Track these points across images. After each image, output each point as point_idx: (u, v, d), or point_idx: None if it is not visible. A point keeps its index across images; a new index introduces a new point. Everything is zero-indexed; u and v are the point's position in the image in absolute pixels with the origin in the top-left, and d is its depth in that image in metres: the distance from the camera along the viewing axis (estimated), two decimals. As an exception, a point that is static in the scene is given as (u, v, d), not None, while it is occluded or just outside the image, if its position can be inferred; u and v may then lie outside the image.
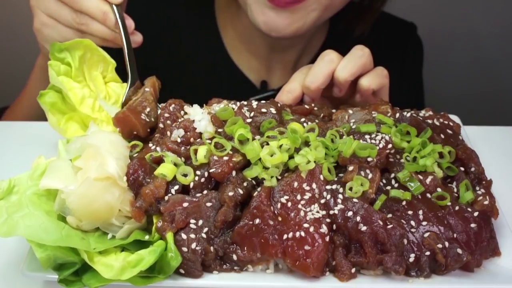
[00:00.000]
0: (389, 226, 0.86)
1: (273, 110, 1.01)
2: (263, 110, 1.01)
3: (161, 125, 1.00)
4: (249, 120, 0.99)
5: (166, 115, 1.00)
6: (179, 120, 1.00)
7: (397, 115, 1.04)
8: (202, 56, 1.59)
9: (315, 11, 1.32)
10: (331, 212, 0.87)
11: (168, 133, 0.97)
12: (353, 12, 1.54)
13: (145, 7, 1.57)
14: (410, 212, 0.88)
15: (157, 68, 1.16)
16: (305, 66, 1.18)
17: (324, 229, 0.85)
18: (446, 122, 1.05)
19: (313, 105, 1.09)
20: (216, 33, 1.59)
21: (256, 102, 1.03)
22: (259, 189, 0.90)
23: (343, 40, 1.51)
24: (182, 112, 1.02)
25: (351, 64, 1.11)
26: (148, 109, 1.03)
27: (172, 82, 1.24)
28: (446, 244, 0.86)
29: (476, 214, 0.89)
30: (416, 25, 1.72)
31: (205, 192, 0.90)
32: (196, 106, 1.03)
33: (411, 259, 0.85)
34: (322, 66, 1.12)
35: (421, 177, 0.93)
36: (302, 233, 0.84)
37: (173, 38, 1.59)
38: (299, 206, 0.87)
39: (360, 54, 1.11)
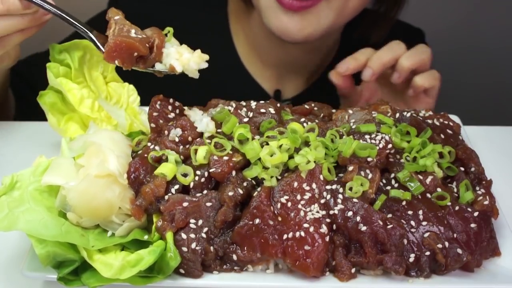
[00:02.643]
0: (389, 226, 0.86)
1: (272, 110, 1.01)
2: (262, 110, 1.01)
3: (153, 125, 0.99)
4: (246, 120, 0.99)
5: (155, 114, 0.99)
6: (170, 115, 1.00)
7: (397, 115, 1.04)
8: (214, 62, 1.53)
9: (327, 18, 1.33)
10: (331, 212, 0.87)
11: (166, 132, 0.97)
12: (368, 19, 1.54)
13: (159, 6, 1.54)
14: (410, 212, 0.88)
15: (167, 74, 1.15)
16: (368, 48, 1.28)
17: (324, 229, 0.85)
18: (446, 122, 1.05)
19: (313, 105, 1.09)
20: (229, 39, 1.57)
21: (255, 103, 1.03)
22: (259, 189, 0.90)
23: (356, 49, 1.51)
24: (170, 107, 1.01)
25: (415, 56, 1.24)
26: (133, 30, 0.96)
27: (183, 88, 1.22)
28: (446, 244, 0.86)
29: (476, 214, 0.89)
30: (424, 32, 1.70)
31: (205, 192, 0.90)
32: (195, 108, 1.03)
33: (411, 259, 0.85)
34: (390, 49, 1.24)
35: (421, 177, 0.93)
36: (302, 233, 0.84)
37: (185, 41, 1.57)
38: (299, 206, 0.87)
39: (423, 51, 1.25)
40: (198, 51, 1.00)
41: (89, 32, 0.98)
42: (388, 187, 0.92)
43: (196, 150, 0.92)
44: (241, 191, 0.88)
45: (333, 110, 1.09)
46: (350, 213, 0.86)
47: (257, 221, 0.86)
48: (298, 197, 0.88)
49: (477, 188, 0.95)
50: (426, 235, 0.86)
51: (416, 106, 1.30)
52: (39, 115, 1.10)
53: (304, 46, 1.44)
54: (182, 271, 0.84)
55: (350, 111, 1.04)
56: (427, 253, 0.85)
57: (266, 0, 1.34)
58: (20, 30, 1.01)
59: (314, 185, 0.89)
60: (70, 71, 1.07)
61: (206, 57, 0.99)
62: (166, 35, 1.00)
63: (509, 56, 2.44)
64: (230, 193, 0.87)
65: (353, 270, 0.85)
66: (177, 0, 1.58)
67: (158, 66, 0.97)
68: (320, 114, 1.07)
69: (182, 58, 0.97)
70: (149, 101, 1.16)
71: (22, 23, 0.99)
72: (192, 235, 0.85)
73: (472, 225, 0.88)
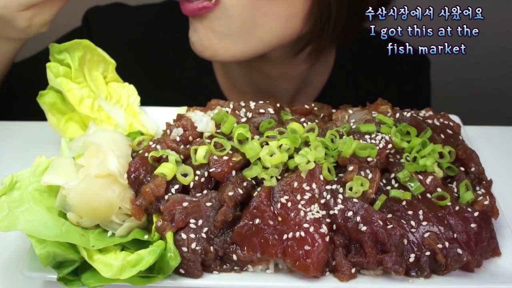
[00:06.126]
0: (389, 226, 0.86)
1: (271, 110, 1.01)
2: (261, 110, 1.01)
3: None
4: (244, 120, 0.99)
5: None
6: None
7: (397, 115, 1.04)
8: (195, 90, 1.42)
9: (229, 29, 1.12)
10: (331, 212, 0.87)
11: (168, 131, 0.98)
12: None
13: (135, 28, 1.47)
14: (410, 212, 0.88)
15: (147, 94, 1.13)
16: None
17: (324, 229, 0.85)
18: (446, 122, 1.05)
19: (313, 105, 1.09)
20: (209, 66, 1.45)
21: (254, 103, 1.03)
22: (259, 189, 0.90)
23: (350, 78, 1.40)
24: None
25: None
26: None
27: (183, 88, 1.20)
28: (446, 244, 0.86)
29: (476, 214, 0.89)
30: (429, 60, 1.56)
31: (205, 192, 0.90)
32: (197, 110, 1.03)
33: (411, 259, 0.85)
34: None
35: (421, 177, 0.93)
36: (302, 233, 0.84)
37: (166, 64, 1.46)
38: (299, 206, 0.87)
39: None
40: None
41: None
42: (388, 187, 0.92)
43: (196, 150, 0.92)
44: (241, 191, 0.88)
45: (333, 110, 1.09)
46: (350, 213, 0.86)
47: (257, 221, 0.86)
48: (298, 197, 0.88)
49: (477, 188, 0.95)
50: (426, 235, 0.86)
51: None
52: (39, 115, 1.10)
53: (268, 70, 1.29)
54: (182, 271, 0.84)
55: (350, 111, 1.04)
56: (427, 253, 0.85)
57: None
58: None
59: (314, 185, 0.89)
60: (70, 71, 1.07)
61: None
62: None
63: (509, 56, 2.44)
64: (230, 193, 0.87)
65: (353, 270, 0.85)
66: (154, 22, 1.48)
67: None
68: (320, 114, 1.07)
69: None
70: (149, 101, 1.16)
71: None
72: (192, 235, 0.85)
73: (472, 225, 0.88)
